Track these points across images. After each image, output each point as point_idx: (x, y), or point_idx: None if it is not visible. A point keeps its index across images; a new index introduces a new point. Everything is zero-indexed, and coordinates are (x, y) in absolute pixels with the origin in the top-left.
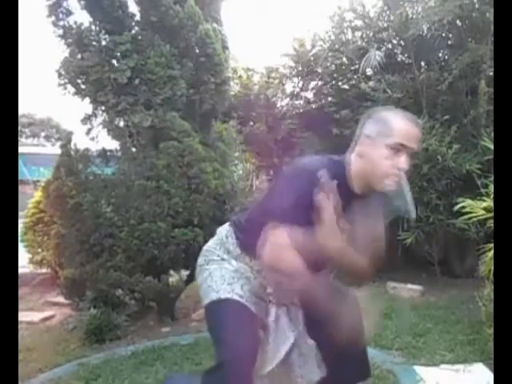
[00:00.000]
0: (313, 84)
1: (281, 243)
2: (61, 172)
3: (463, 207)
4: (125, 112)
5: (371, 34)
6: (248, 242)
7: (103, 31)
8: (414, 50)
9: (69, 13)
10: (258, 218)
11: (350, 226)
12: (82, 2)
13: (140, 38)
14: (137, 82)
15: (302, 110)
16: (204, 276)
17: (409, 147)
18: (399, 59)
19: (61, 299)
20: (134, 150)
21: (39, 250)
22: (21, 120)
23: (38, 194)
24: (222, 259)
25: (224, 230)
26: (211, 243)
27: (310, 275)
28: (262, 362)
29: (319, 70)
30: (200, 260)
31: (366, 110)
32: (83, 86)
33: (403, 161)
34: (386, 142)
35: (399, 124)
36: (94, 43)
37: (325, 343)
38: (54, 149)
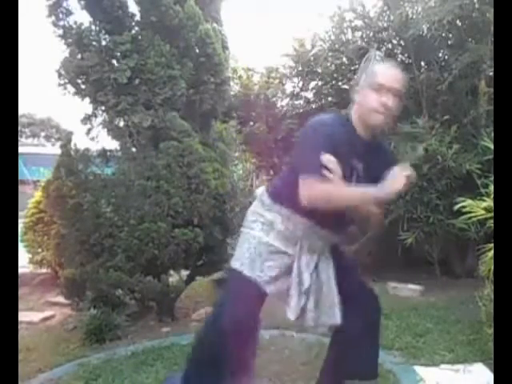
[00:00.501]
0: (313, 84)
1: (314, 184)
2: (61, 172)
3: (463, 207)
4: (125, 112)
5: (371, 34)
6: (279, 192)
7: (103, 31)
8: (414, 49)
9: (69, 13)
10: (287, 175)
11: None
12: (82, 2)
13: (140, 38)
14: (137, 82)
15: (301, 110)
16: (241, 239)
17: (391, 87)
18: (399, 59)
19: (61, 299)
20: (133, 149)
21: (39, 250)
22: (21, 120)
23: (38, 194)
24: (256, 219)
25: (260, 189)
26: (253, 204)
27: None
28: (289, 307)
29: (319, 70)
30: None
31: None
32: (83, 86)
33: (387, 98)
34: (371, 86)
35: (380, 69)
36: (94, 43)
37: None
38: (54, 149)
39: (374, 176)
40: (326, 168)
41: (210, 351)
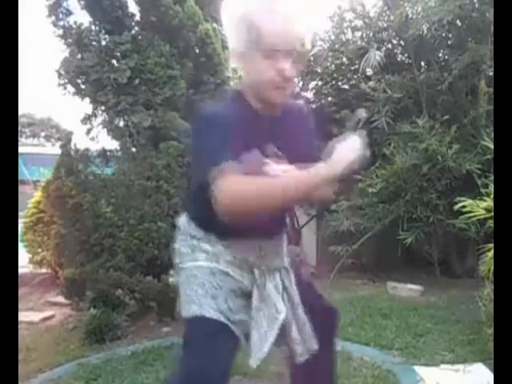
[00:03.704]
0: (313, 84)
1: (231, 177)
2: (61, 172)
3: (463, 207)
4: (125, 112)
5: (371, 34)
6: (207, 219)
7: (103, 31)
8: (413, 49)
9: (69, 13)
10: (195, 187)
11: (282, 152)
12: (82, 2)
13: (140, 38)
14: (137, 82)
15: None
16: (182, 278)
17: (288, 50)
18: (399, 59)
19: (61, 299)
20: (133, 149)
21: (39, 250)
22: (21, 120)
23: (37, 194)
24: (193, 250)
25: (181, 220)
26: (178, 239)
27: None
28: (252, 350)
29: (319, 70)
30: (175, 260)
31: (365, 110)
32: (83, 86)
33: (286, 66)
34: (258, 53)
35: (266, 23)
36: (94, 43)
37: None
38: (54, 149)
39: (294, 153)
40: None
41: None
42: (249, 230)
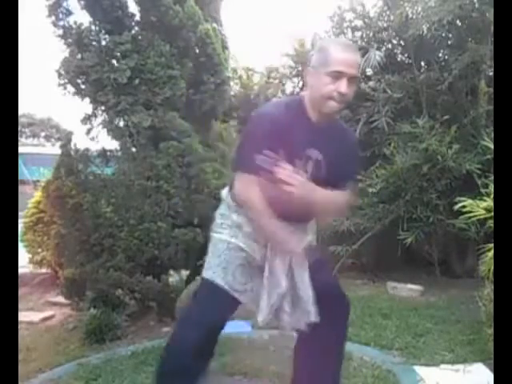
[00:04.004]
0: None
1: (246, 183)
2: (61, 172)
3: (463, 207)
4: (125, 112)
5: (371, 34)
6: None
7: (103, 31)
8: (413, 49)
9: (69, 13)
10: (231, 167)
11: (322, 157)
12: (82, 2)
13: (140, 38)
14: (137, 82)
15: None
16: (210, 244)
17: (347, 73)
18: (399, 59)
19: (61, 299)
20: (133, 149)
21: (39, 250)
22: (21, 120)
23: (37, 194)
24: (223, 222)
25: (225, 190)
26: (218, 207)
27: (269, 218)
28: (258, 309)
29: None
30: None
31: (365, 110)
32: (83, 86)
33: (343, 85)
34: (325, 70)
35: (336, 52)
36: (94, 43)
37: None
38: (54, 149)
39: (332, 166)
40: (263, 167)
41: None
42: (273, 210)
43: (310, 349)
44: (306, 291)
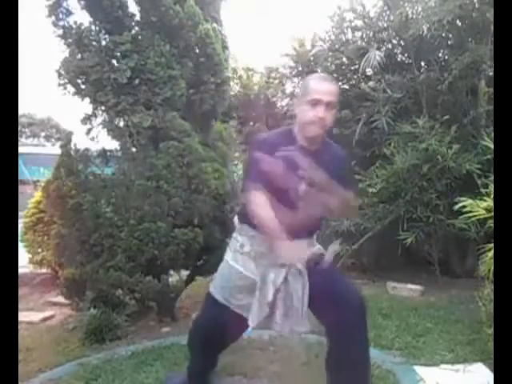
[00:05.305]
0: None
1: (257, 201)
2: (61, 172)
3: (463, 207)
4: (125, 112)
5: (371, 34)
6: (243, 213)
7: (103, 31)
8: (414, 49)
9: (69, 13)
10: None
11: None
12: (82, 2)
13: (140, 38)
14: (137, 81)
15: None
16: (222, 263)
17: (324, 100)
18: (399, 59)
19: (61, 299)
20: (133, 149)
21: (39, 250)
22: (21, 120)
23: (38, 194)
24: (231, 243)
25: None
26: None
27: (280, 234)
28: (249, 317)
29: (319, 70)
30: None
31: (366, 110)
32: (83, 86)
33: (320, 110)
34: (305, 100)
35: (314, 83)
36: (94, 43)
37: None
38: (54, 149)
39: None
40: (269, 179)
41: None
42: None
43: (337, 360)
44: (300, 303)
